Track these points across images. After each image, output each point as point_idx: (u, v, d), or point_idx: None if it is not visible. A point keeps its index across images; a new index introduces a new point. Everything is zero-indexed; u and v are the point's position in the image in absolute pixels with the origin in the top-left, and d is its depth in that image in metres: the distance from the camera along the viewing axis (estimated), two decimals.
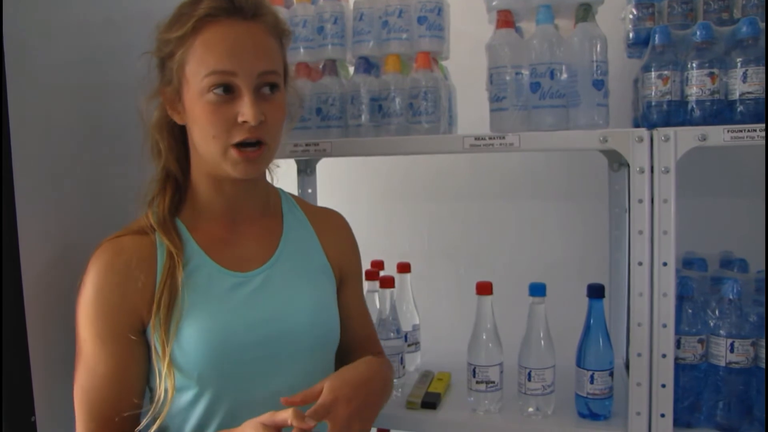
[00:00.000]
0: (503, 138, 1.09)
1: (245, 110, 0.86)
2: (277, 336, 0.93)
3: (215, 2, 0.87)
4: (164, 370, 0.87)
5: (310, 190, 1.53)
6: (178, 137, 0.96)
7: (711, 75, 1.02)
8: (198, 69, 0.87)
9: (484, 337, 1.15)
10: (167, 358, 0.87)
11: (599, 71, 1.06)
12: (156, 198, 0.95)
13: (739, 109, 1.02)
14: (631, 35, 1.18)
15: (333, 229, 1.08)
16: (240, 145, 0.88)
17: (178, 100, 0.91)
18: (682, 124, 1.04)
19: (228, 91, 0.87)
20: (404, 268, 1.39)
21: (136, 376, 0.90)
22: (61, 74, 1.01)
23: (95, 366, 0.88)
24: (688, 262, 1.20)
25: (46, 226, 0.97)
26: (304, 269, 1.01)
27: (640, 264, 1.03)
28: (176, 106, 0.92)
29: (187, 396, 0.90)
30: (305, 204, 1.09)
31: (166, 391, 0.87)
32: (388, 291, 1.26)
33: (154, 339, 0.88)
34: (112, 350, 0.88)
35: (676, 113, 1.05)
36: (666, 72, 1.05)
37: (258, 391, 0.92)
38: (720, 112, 1.03)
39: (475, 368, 1.15)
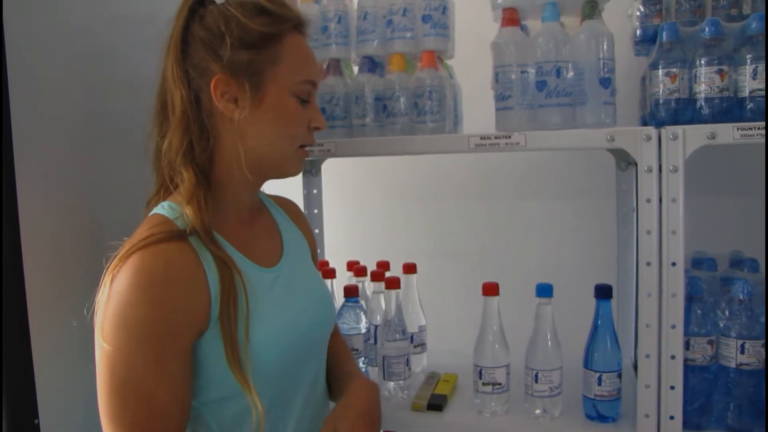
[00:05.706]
0: (509, 137, 1.08)
1: (320, 119, 0.97)
2: (313, 325, 0.98)
3: (301, 16, 0.94)
4: (246, 382, 0.82)
5: (315, 191, 1.53)
6: (206, 133, 0.89)
7: (720, 72, 1.01)
8: (294, 72, 0.92)
9: (491, 338, 1.14)
10: (247, 369, 0.82)
11: (606, 69, 1.05)
12: (191, 200, 0.86)
13: (749, 107, 1.00)
14: (638, 32, 1.17)
15: (298, 214, 1.14)
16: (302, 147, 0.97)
17: (255, 92, 0.87)
18: (691, 122, 1.03)
19: (307, 99, 0.95)
20: (410, 268, 1.38)
21: (190, 395, 0.83)
22: (64, 73, 1.01)
23: (154, 394, 0.78)
24: (697, 262, 1.18)
25: (49, 227, 0.97)
26: (303, 256, 1.06)
27: (649, 264, 1.02)
28: (238, 96, 0.87)
29: (241, 403, 0.84)
30: (268, 195, 1.11)
31: (255, 404, 0.82)
32: (393, 292, 1.25)
33: (225, 350, 0.81)
34: (173, 372, 0.79)
35: (684, 111, 1.04)
36: (674, 69, 1.03)
37: (298, 383, 0.95)
38: (729, 109, 1.02)
39: (481, 370, 1.14)
